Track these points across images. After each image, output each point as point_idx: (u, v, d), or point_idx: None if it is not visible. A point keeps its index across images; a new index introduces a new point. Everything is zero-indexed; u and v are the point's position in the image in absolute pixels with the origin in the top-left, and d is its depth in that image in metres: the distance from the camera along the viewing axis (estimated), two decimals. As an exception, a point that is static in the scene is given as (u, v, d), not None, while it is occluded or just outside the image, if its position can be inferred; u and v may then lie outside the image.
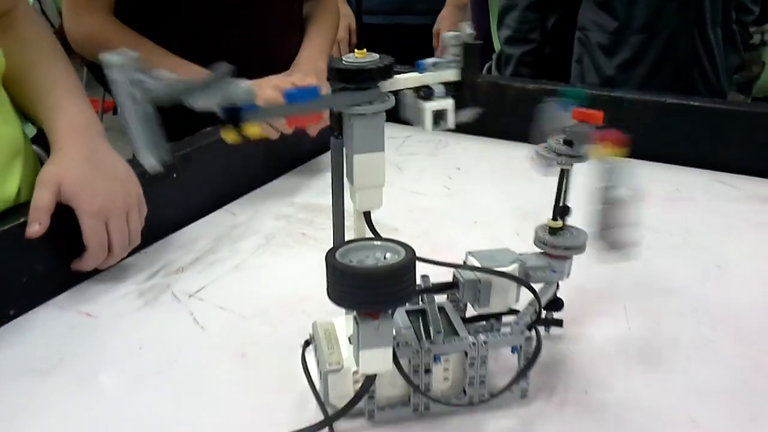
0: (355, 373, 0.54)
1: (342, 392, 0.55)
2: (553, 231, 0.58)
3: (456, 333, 0.56)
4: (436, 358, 0.55)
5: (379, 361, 0.49)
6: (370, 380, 0.52)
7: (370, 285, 0.45)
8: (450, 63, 0.52)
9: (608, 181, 0.51)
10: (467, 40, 0.51)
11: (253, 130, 0.46)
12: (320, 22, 1.22)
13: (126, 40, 1.03)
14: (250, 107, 0.46)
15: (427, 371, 0.55)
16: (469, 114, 0.53)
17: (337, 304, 0.47)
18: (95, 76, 2.90)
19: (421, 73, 0.52)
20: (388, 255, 0.48)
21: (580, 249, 0.57)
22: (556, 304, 0.62)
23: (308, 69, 1.07)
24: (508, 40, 1.60)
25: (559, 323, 0.64)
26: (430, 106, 0.51)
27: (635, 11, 1.34)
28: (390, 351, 0.49)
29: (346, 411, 0.53)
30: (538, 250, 0.58)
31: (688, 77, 1.37)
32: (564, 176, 0.57)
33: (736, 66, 1.49)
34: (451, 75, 0.52)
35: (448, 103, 0.52)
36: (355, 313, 0.48)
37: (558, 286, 0.61)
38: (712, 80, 1.40)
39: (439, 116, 0.52)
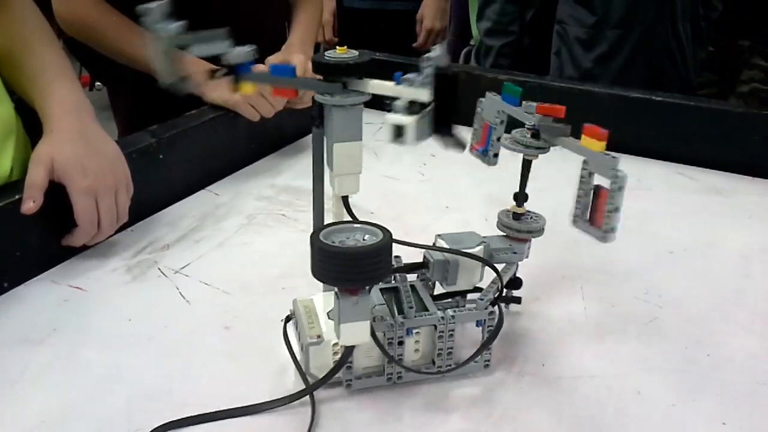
0: (335, 345, 0.59)
1: (321, 363, 0.59)
2: (516, 216, 0.63)
3: (426, 308, 0.61)
4: (409, 331, 0.59)
5: (358, 333, 0.53)
6: (348, 351, 0.57)
7: (351, 264, 0.49)
8: (424, 82, 0.51)
9: (588, 171, 0.55)
10: (439, 64, 0.50)
11: (248, 88, 0.55)
12: (306, 8, 1.25)
13: (112, 21, 1.06)
14: (245, 68, 0.54)
15: (400, 343, 0.59)
16: (452, 143, 0.53)
17: (320, 281, 0.52)
18: (72, 50, 2.90)
19: (396, 83, 0.53)
20: (366, 237, 0.52)
21: (538, 232, 0.62)
22: (515, 283, 0.68)
23: (302, 49, 1.12)
24: (488, 32, 1.64)
25: (517, 300, 0.70)
26: (389, 118, 0.51)
27: (612, 6, 1.39)
28: (368, 324, 0.54)
29: (327, 380, 0.58)
30: (501, 233, 0.64)
31: (661, 70, 1.43)
32: (528, 166, 0.62)
33: (702, 60, 1.55)
34: (421, 94, 0.52)
35: (406, 121, 0.51)
36: (336, 289, 0.52)
37: (517, 266, 0.67)
38: (683, 73, 1.46)
39: (400, 130, 0.51)
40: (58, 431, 0.55)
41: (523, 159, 0.62)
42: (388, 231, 0.52)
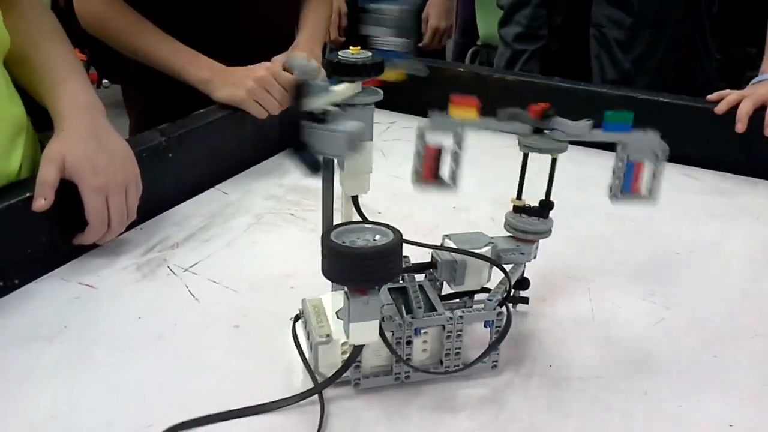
0: (343, 344, 0.59)
1: (330, 362, 0.59)
2: (516, 209, 0.63)
3: (434, 308, 0.61)
4: (417, 331, 0.60)
5: (367, 332, 0.54)
6: (357, 350, 0.57)
7: (362, 264, 0.50)
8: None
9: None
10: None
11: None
12: (315, 7, 1.26)
13: (130, 21, 1.08)
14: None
15: (409, 343, 0.60)
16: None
17: (331, 281, 0.52)
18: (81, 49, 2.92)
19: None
20: (377, 237, 0.53)
21: (546, 233, 0.63)
22: (523, 283, 0.68)
23: (308, 51, 1.13)
24: (517, 37, 1.63)
25: (525, 301, 0.70)
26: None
27: (649, 5, 1.39)
28: (377, 324, 0.54)
29: (335, 379, 0.58)
30: (508, 234, 0.64)
31: (689, 68, 1.44)
32: (526, 160, 0.62)
33: (715, 56, 1.55)
34: None
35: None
36: (346, 289, 0.53)
37: (525, 266, 0.67)
38: (707, 69, 1.46)
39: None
40: (68, 428, 0.56)
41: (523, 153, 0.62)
42: (398, 231, 0.53)
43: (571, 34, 1.54)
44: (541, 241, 0.64)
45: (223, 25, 1.17)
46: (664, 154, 0.58)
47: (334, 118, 0.51)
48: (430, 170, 0.58)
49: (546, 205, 0.63)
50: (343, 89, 0.55)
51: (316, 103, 0.51)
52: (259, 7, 1.21)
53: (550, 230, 0.63)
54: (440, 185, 0.59)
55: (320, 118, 0.51)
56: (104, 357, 0.64)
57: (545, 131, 0.59)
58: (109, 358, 0.64)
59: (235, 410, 0.57)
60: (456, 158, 0.57)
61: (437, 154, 0.57)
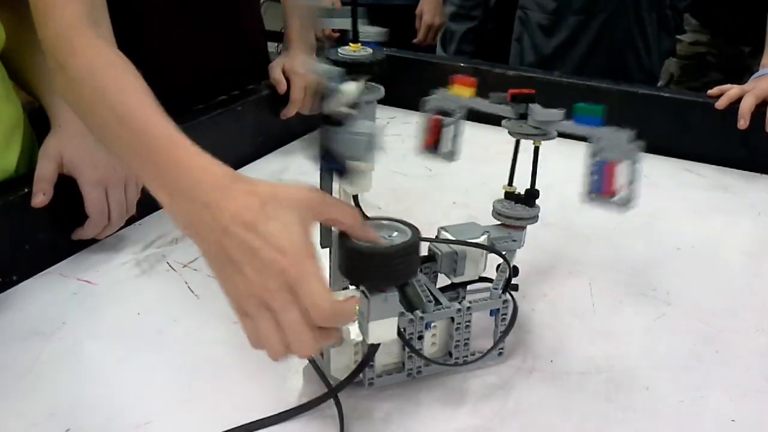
0: (355, 345, 0.58)
1: (342, 364, 0.58)
2: (508, 195, 0.63)
3: (438, 302, 0.61)
4: (428, 325, 0.59)
5: (385, 330, 0.52)
6: (374, 349, 0.56)
7: (384, 263, 0.49)
8: None
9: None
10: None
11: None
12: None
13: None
14: None
15: (420, 338, 0.59)
16: None
17: (352, 281, 0.51)
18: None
19: None
20: (394, 234, 0.52)
21: (533, 219, 0.62)
22: (513, 270, 0.68)
23: (304, 47, 1.11)
24: (452, 16, 1.63)
25: (515, 287, 0.70)
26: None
27: None
28: (395, 321, 0.52)
29: (351, 380, 0.57)
30: (498, 222, 0.64)
31: (622, 59, 1.42)
32: (517, 146, 0.62)
33: (667, 51, 1.53)
34: None
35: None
36: (363, 287, 0.51)
37: (515, 253, 0.67)
38: (645, 63, 1.44)
39: None
40: (68, 424, 0.56)
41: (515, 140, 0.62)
42: (416, 228, 0.52)
43: (506, 15, 1.53)
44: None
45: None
46: (636, 154, 0.56)
47: (350, 120, 0.50)
48: (431, 138, 0.64)
49: (531, 195, 0.63)
50: (353, 89, 0.54)
51: (333, 105, 0.51)
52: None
53: (537, 216, 0.63)
54: (439, 154, 0.65)
55: (338, 121, 0.50)
56: (103, 353, 0.64)
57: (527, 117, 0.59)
58: (109, 354, 0.64)
59: (254, 422, 0.56)
60: (455, 130, 0.63)
61: (438, 124, 0.63)
